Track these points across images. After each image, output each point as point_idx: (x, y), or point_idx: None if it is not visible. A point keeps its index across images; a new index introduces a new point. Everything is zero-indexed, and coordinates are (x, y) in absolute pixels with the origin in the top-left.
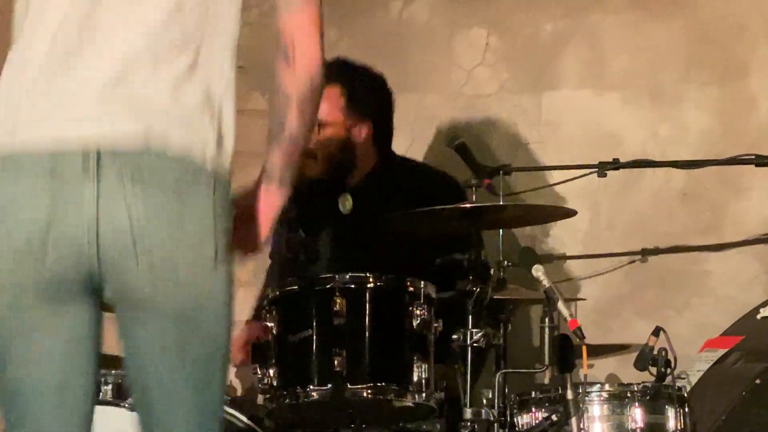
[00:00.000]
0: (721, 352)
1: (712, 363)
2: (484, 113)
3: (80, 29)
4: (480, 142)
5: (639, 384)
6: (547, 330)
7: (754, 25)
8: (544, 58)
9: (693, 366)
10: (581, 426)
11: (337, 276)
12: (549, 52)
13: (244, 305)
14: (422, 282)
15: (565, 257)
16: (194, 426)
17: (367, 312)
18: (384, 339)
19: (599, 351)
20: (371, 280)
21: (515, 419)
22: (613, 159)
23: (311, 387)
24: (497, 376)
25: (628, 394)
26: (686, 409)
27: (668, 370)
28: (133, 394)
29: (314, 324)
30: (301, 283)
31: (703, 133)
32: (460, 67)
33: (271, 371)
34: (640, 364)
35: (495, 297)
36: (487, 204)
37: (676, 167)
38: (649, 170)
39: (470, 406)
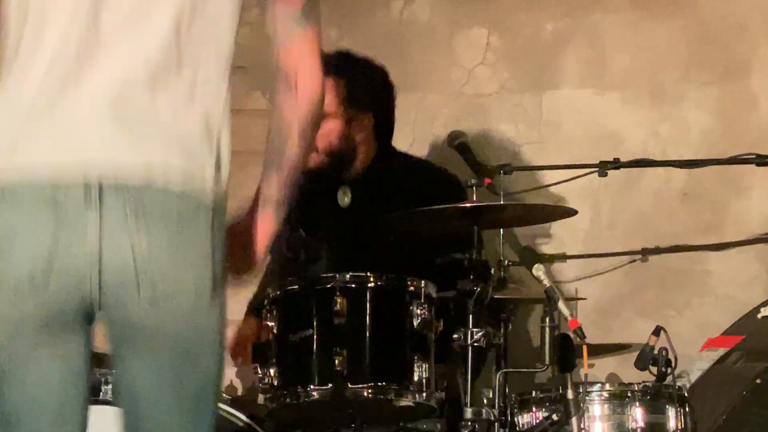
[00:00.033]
0: (722, 351)
1: (712, 362)
2: (484, 113)
3: (79, 50)
4: (480, 142)
5: (639, 383)
6: (547, 329)
7: (755, 25)
8: (545, 57)
9: (693, 365)
10: (582, 425)
11: (337, 275)
12: (549, 51)
13: (245, 305)
14: (423, 281)
15: (565, 257)
16: None
17: (368, 311)
18: (384, 338)
19: (600, 350)
20: (372, 279)
21: (516, 419)
22: (614, 158)
23: (312, 386)
24: (498, 375)
25: (629, 394)
26: (687, 409)
27: (669, 370)
28: (124, 425)
29: (315, 323)
30: (302, 282)
31: (704, 132)
32: (461, 66)
33: (272, 371)
34: (641, 364)
35: (495, 296)
36: (488, 203)
37: (677, 167)
38: (649, 170)
39: (471, 406)
